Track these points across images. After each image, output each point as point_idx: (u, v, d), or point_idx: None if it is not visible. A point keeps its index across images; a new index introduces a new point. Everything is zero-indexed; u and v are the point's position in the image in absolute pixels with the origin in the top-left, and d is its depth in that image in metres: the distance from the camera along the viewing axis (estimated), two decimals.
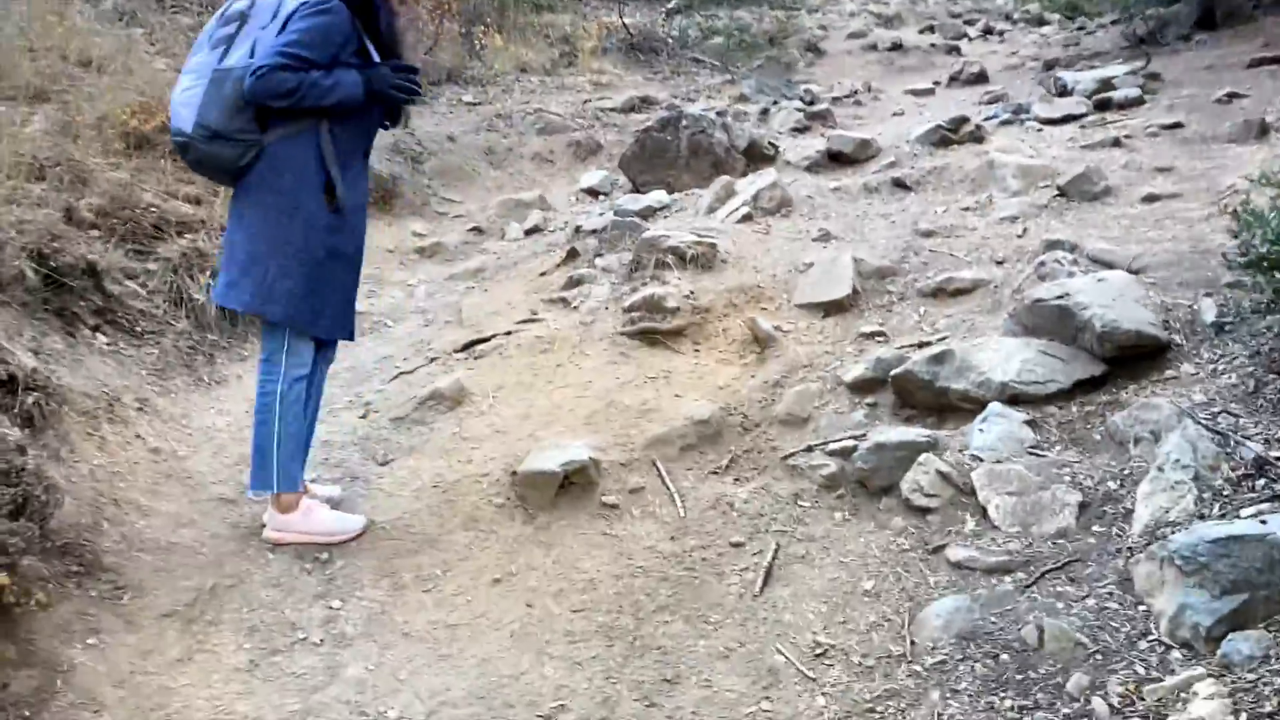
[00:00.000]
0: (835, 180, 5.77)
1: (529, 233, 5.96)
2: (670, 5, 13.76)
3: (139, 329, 4.03)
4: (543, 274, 5.11)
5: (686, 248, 4.45)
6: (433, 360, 4.29)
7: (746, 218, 5.07)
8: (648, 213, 5.36)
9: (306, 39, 2.73)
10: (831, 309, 4.06)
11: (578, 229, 5.56)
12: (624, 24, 12.22)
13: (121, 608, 2.57)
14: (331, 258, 2.92)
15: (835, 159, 6.16)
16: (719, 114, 6.55)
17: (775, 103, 9.03)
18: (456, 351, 4.32)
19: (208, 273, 4.34)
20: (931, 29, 13.51)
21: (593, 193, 6.55)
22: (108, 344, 3.85)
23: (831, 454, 3.17)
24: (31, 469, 2.55)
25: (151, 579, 2.71)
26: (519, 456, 3.34)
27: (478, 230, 6.15)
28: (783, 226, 4.98)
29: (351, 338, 3.19)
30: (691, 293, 4.19)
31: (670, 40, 12.06)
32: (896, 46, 12.25)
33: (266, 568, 2.90)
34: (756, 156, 6.28)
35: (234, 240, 2.91)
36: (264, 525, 3.03)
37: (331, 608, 2.76)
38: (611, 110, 8.30)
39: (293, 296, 2.87)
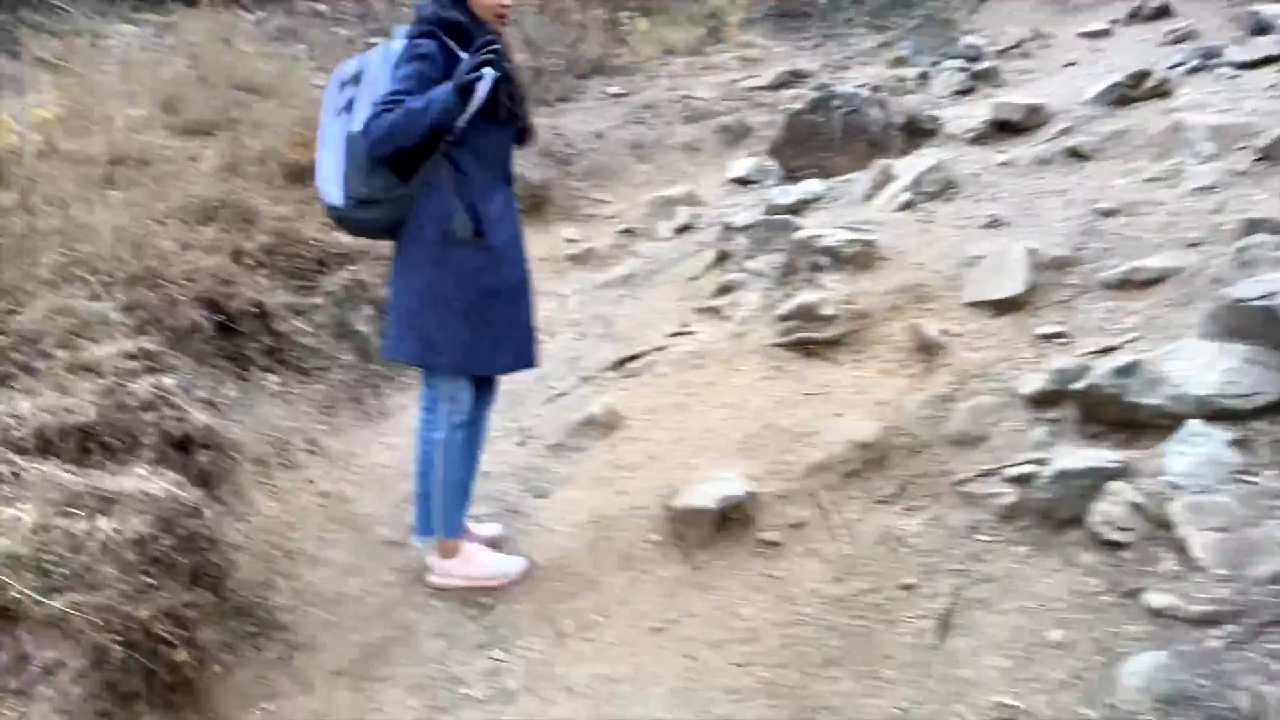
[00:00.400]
0: (1003, 152, 5.37)
1: (679, 231, 5.85)
2: None
3: (307, 366, 4.17)
4: (693, 279, 5.00)
5: (842, 246, 4.23)
6: (586, 380, 4.26)
7: (907, 205, 4.78)
8: (799, 206, 5.15)
9: (405, 86, 2.67)
10: (1004, 308, 3.76)
11: (727, 227, 5.41)
12: None
13: (295, 668, 2.66)
14: (489, 297, 2.86)
15: (1002, 128, 5.74)
16: (873, 89, 6.22)
17: (935, 63, 8.55)
18: (609, 369, 4.27)
19: (370, 305, 4.46)
20: None
21: (743, 182, 6.37)
22: (278, 384, 4.00)
23: (1010, 480, 2.94)
24: (208, 534, 2.65)
25: (322, 634, 2.78)
26: (673, 487, 3.26)
27: (628, 231, 6.09)
28: (947, 213, 4.67)
29: (534, 364, 3.10)
30: (849, 297, 3.98)
31: (819, 3, 11.65)
32: None
33: (431, 616, 2.93)
34: (916, 132, 5.94)
35: (397, 292, 2.92)
36: (428, 569, 3.08)
37: (494, 659, 2.77)
38: (760, 89, 8.05)
39: (456, 345, 2.85)
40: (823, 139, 5.98)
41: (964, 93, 7.42)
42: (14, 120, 5.14)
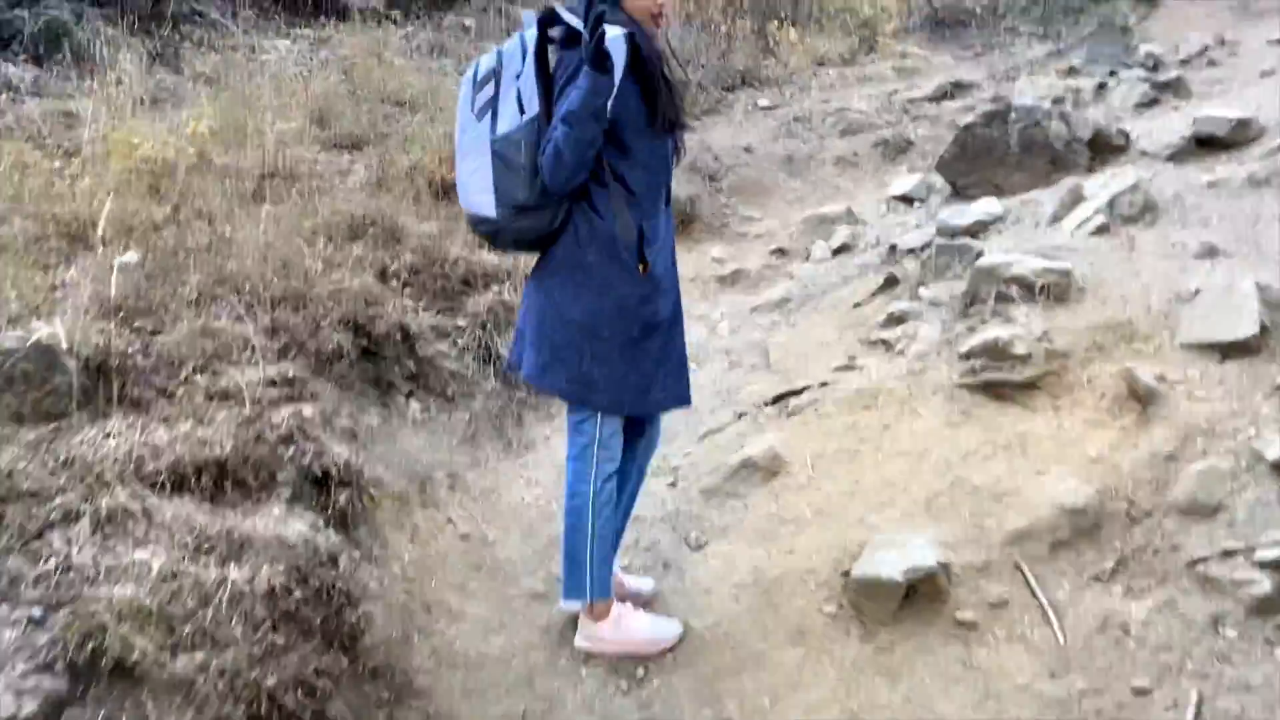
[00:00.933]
0: (1208, 172, 4.79)
1: (836, 252, 5.46)
2: None
3: (450, 392, 3.97)
4: (857, 305, 4.61)
5: (1034, 276, 3.78)
6: (741, 416, 3.92)
7: (1102, 229, 4.28)
8: (977, 229, 4.69)
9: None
10: (1232, 351, 3.26)
11: (893, 248, 5.00)
12: None
13: None
14: (649, 330, 2.63)
15: (1205, 144, 5.14)
16: (1054, 101, 5.69)
17: (1112, 73, 7.90)
18: (766, 404, 3.93)
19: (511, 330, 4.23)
20: None
21: (906, 200, 5.93)
22: (421, 411, 3.81)
23: (1262, 565, 2.47)
24: (344, 587, 2.43)
25: (462, 703, 2.53)
26: (849, 550, 2.89)
27: (780, 251, 5.72)
28: (1149, 239, 4.15)
29: (688, 402, 2.83)
30: (1045, 334, 3.53)
31: (978, 10, 11.03)
32: None
33: (579, 686, 2.65)
34: (1103, 148, 5.39)
35: (543, 316, 2.65)
36: (575, 628, 2.79)
37: None
38: (920, 100, 7.58)
39: (613, 382, 2.62)
40: (998, 155, 5.49)
41: (1148, 105, 6.77)
42: (170, 133, 5.15)
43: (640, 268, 2.55)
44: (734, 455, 3.58)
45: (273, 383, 3.15)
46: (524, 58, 2.44)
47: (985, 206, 4.93)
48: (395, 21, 10.96)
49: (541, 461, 3.81)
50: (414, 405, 3.83)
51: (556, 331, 2.62)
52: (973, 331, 3.71)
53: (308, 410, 3.07)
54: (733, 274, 5.56)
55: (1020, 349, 3.48)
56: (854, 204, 6.05)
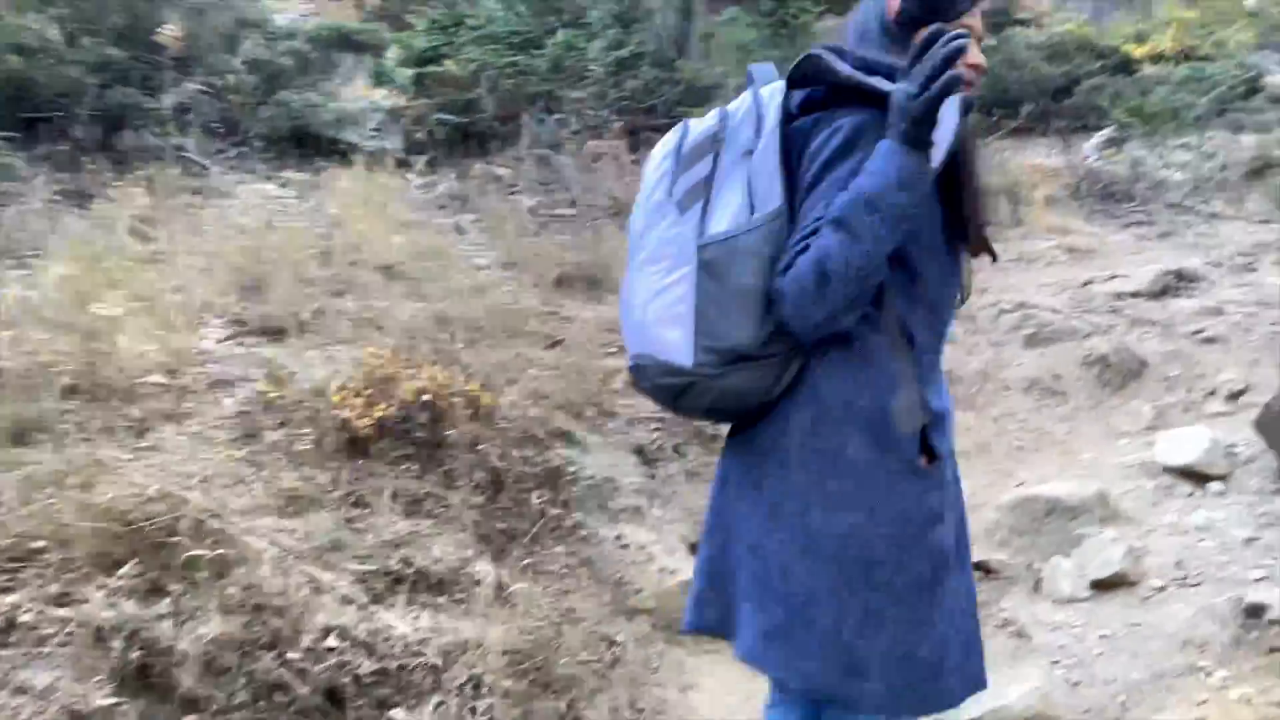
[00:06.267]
0: None
1: (1100, 588, 2.90)
2: (1106, 134, 10.41)
3: None
4: None
5: None
6: None
7: None
8: None
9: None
10: None
11: (1251, 610, 2.46)
12: (1070, 164, 9.10)
13: None
14: (940, 564, 1.61)
15: None
16: None
17: None
18: None
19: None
20: None
21: (1193, 476, 3.39)
22: None
23: None
24: None
25: None
26: None
27: (984, 570, 3.19)
28: None
29: (984, 684, 1.70)
30: None
31: (1129, 181, 8.77)
32: None
33: None
34: None
35: (763, 542, 1.62)
36: None
37: None
38: (1132, 296, 5.15)
39: (895, 661, 1.58)
40: None
41: None
42: None
43: (923, 460, 1.59)
44: None
45: None
46: (759, 128, 1.59)
47: None
48: (413, 167, 9.06)
49: None
50: None
51: (793, 573, 1.59)
52: None
53: None
54: None
55: None
56: (1096, 478, 3.51)
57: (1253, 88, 11.25)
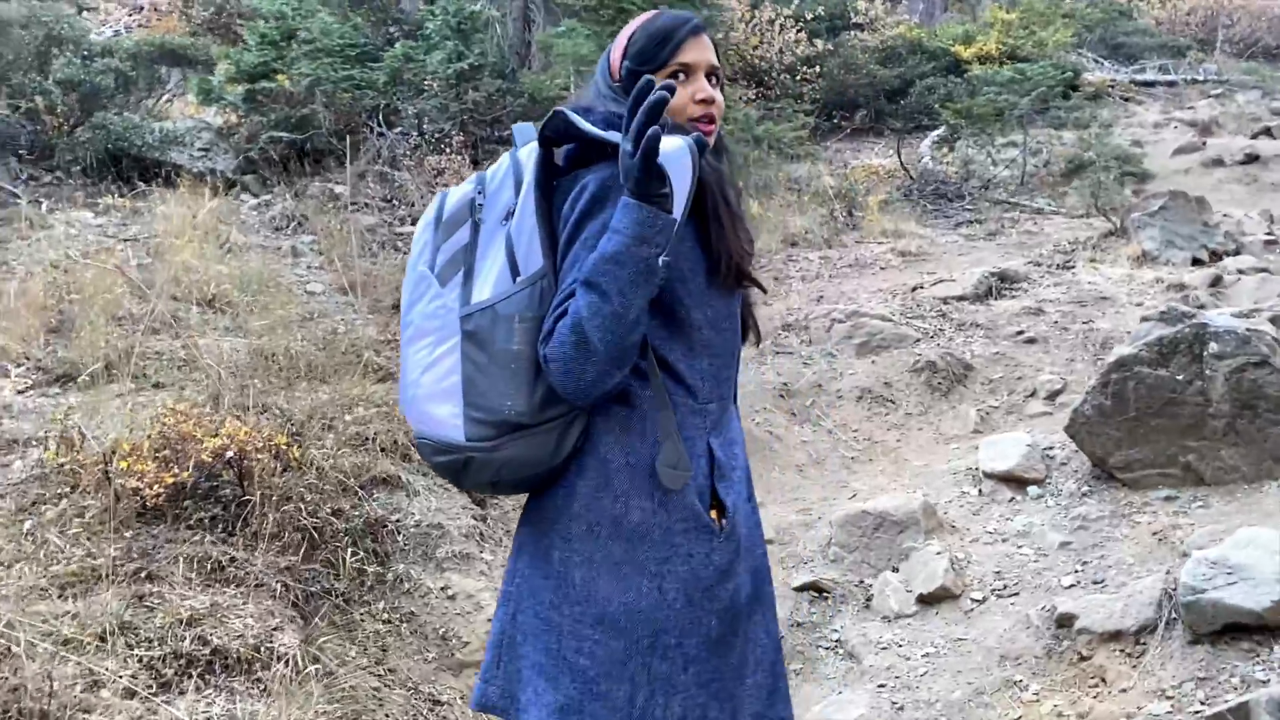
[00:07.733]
0: None
1: (926, 603, 2.94)
2: (936, 134, 10.78)
3: None
4: None
5: None
6: None
7: None
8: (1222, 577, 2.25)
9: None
10: None
11: (1063, 621, 2.52)
12: (902, 165, 9.38)
13: None
14: (732, 621, 1.59)
15: None
16: (1274, 321, 3.38)
17: (1197, 260, 5.85)
18: None
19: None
20: (1270, 132, 10.19)
21: (1013, 481, 3.49)
22: None
23: None
24: None
25: None
26: None
27: (814, 590, 3.20)
28: None
29: None
30: None
31: (960, 180, 9.09)
32: (1253, 158, 8.98)
33: None
34: None
35: (553, 616, 1.57)
36: None
37: None
38: (958, 299, 5.31)
39: None
40: (1188, 415, 3.14)
41: None
42: None
43: (714, 518, 1.57)
44: None
45: None
46: (519, 189, 1.56)
47: (1248, 538, 2.47)
48: (247, 189, 8.67)
49: None
50: None
51: (584, 645, 1.55)
52: None
53: None
54: None
55: None
56: (925, 487, 3.57)
57: (1072, 85, 11.89)
